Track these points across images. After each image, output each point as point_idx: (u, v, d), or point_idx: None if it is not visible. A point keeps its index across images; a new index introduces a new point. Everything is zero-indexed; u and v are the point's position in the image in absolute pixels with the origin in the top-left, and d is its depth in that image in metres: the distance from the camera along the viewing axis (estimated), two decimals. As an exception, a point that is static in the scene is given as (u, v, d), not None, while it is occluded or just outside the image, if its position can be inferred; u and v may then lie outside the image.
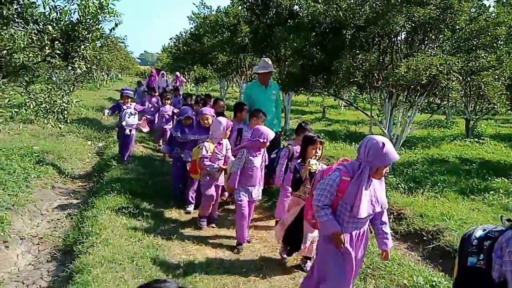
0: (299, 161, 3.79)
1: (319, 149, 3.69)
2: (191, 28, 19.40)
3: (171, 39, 28.52)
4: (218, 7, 15.60)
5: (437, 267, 4.23)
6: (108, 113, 7.21)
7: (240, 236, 4.34)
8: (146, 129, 8.31)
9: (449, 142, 11.52)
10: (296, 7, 9.59)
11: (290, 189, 4.25)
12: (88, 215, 4.64)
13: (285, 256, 4.03)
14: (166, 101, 8.73)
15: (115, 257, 3.60)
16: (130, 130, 7.13)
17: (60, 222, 5.02)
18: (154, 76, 16.32)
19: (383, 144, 2.55)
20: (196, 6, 17.68)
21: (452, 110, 16.50)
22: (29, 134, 8.80)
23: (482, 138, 12.01)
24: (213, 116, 5.28)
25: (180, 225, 4.87)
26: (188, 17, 18.74)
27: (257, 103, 5.64)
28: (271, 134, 4.17)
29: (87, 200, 5.53)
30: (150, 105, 9.80)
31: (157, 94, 11.04)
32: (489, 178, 7.28)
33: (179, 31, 33.58)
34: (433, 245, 4.68)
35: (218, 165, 4.60)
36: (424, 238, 4.84)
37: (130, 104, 7.25)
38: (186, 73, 23.25)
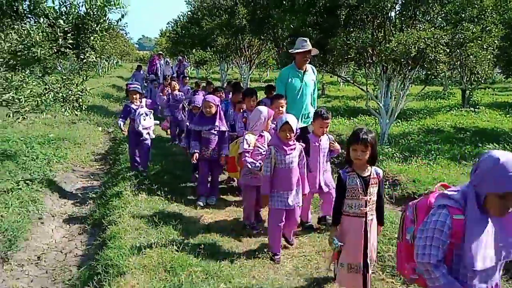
0: (346, 169, 2.92)
1: (363, 151, 2.78)
2: (189, 11, 19.53)
3: (168, 23, 28.55)
4: (215, -11, 15.74)
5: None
6: (122, 125, 5.86)
7: (273, 248, 3.72)
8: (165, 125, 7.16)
9: (445, 113, 11.90)
10: (291, -13, 9.82)
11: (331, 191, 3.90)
12: (112, 192, 5.14)
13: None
14: (173, 88, 8.19)
15: (140, 226, 4.11)
16: (148, 133, 5.88)
17: (85, 200, 5.53)
18: (155, 61, 15.56)
19: None
20: (193, -10, 17.82)
21: (449, 81, 16.76)
22: (42, 123, 9.26)
23: (478, 107, 12.38)
24: (217, 105, 4.93)
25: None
26: (185, 0, 18.87)
27: (294, 90, 4.95)
28: (291, 120, 3.51)
29: (107, 180, 6.03)
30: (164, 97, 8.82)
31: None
32: (481, 145, 7.69)
33: (176, 15, 33.52)
34: (425, 206, 5.16)
35: (260, 163, 3.87)
36: (417, 201, 5.30)
37: (140, 101, 5.89)
38: (185, 56, 23.45)
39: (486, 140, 8.01)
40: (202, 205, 4.89)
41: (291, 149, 3.57)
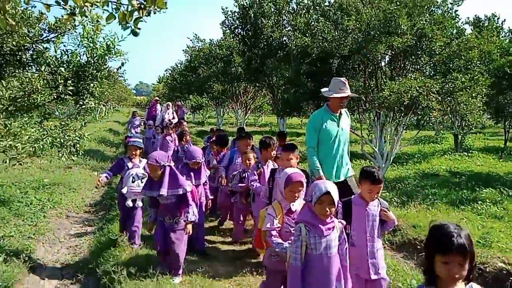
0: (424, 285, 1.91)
1: (461, 264, 1.80)
2: (186, 59, 20.22)
3: (166, 70, 29.51)
4: (210, 40, 16.45)
5: (429, 272, 4.61)
6: (103, 179, 4.70)
7: None
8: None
9: (439, 157, 12.08)
10: (285, 38, 10.30)
11: None
12: (106, 239, 5.01)
13: None
14: (187, 140, 7.23)
15: (137, 275, 3.97)
16: (134, 201, 4.70)
17: (78, 248, 5.38)
18: (155, 107, 14.30)
19: None
20: (191, 40, 18.59)
21: (440, 126, 17.16)
22: (37, 168, 9.20)
23: (471, 151, 12.59)
24: (162, 165, 3.88)
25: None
26: (183, 50, 19.65)
27: (330, 137, 4.20)
28: (333, 190, 2.59)
29: (102, 227, 5.90)
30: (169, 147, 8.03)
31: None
32: (478, 189, 7.75)
33: (174, 63, 34.70)
34: (426, 252, 5.09)
35: (289, 243, 2.88)
36: (418, 247, 5.23)
37: (140, 161, 4.84)
38: (182, 102, 23.99)
39: (482, 184, 8.08)
40: (177, 282, 3.96)
41: (329, 229, 2.62)
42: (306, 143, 4.40)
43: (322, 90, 4.45)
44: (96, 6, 1.84)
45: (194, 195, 4.32)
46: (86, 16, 2.12)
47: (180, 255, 3.99)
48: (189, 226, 4.04)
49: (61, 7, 1.89)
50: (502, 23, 13.86)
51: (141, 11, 1.79)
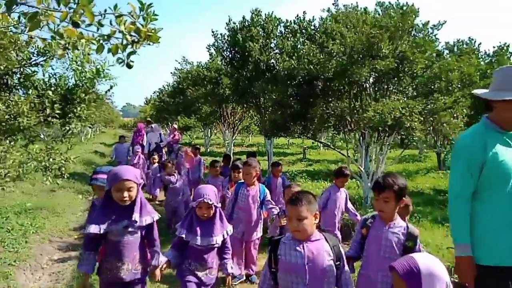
0: None
1: None
2: (174, 81, 20.35)
3: (154, 92, 29.68)
4: (199, 62, 16.62)
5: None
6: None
7: None
8: None
9: (424, 175, 12.30)
10: (272, 61, 10.51)
11: None
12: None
13: None
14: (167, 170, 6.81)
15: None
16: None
17: (61, 274, 5.23)
18: (141, 131, 11.98)
19: None
20: (179, 63, 18.77)
21: (423, 145, 17.52)
22: (20, 191, 9.00)
23: (454, 169, 12.86)
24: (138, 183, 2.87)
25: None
26: (171, 72, 19.81)
27: (504, 174, 2.31)
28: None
29: (86, 251, 5.77)
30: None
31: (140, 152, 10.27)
32: (462, 207, 7.88)
33: (161, 85, 34.93)
34: (413, 271, 5.10)
35: None
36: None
37: None
38: (169, 123, 23.97)
39: (465, 202, 8.23)
40: None
41: None
42: (449, 189, 2.54)
43: (478, 92, 2.51)
44: (91, 43, 1.88)
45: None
46: (78, 49, 2.16)
47: None
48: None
49: (56, 41, 1.93)
50: (478, 46, 14.45)
51: (135, 45, 1.84)
